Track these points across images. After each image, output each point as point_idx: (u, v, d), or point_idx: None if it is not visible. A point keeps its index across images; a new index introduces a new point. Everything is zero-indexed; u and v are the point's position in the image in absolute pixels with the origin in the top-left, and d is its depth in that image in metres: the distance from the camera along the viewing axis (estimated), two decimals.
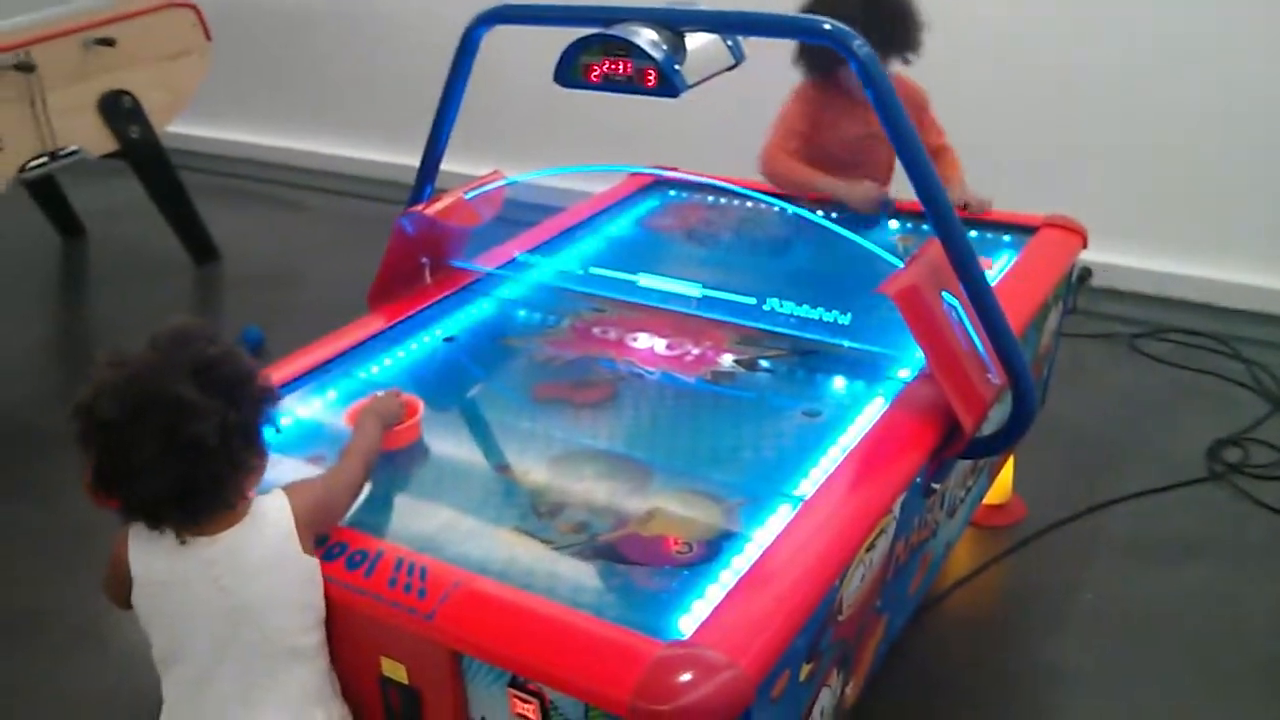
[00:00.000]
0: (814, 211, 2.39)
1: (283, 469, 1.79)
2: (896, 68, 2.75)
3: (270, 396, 1.57)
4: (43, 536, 2.97)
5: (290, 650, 1.55)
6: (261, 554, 1.52)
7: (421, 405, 1.94)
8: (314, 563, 1.56)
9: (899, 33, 2.73)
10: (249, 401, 1.51)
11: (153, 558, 1.53)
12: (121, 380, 1.45)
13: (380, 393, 1.94)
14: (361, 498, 1.72)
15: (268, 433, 1.58)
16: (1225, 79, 3.67)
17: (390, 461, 1.89)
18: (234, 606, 1.51)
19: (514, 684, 1.48)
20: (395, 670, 1.59)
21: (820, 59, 2.82)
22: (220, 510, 1.51)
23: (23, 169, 3.98)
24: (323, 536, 1.62)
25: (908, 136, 1.81)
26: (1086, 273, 3.87)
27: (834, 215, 2.70)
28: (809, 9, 2.59)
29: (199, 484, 1.46)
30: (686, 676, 1.34)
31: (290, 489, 1.59)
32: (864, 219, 2.77)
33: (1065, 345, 2.93)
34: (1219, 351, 3.63)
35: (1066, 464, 3.07)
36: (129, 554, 1.55)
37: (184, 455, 1.43)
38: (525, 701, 1.48)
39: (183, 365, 1.46)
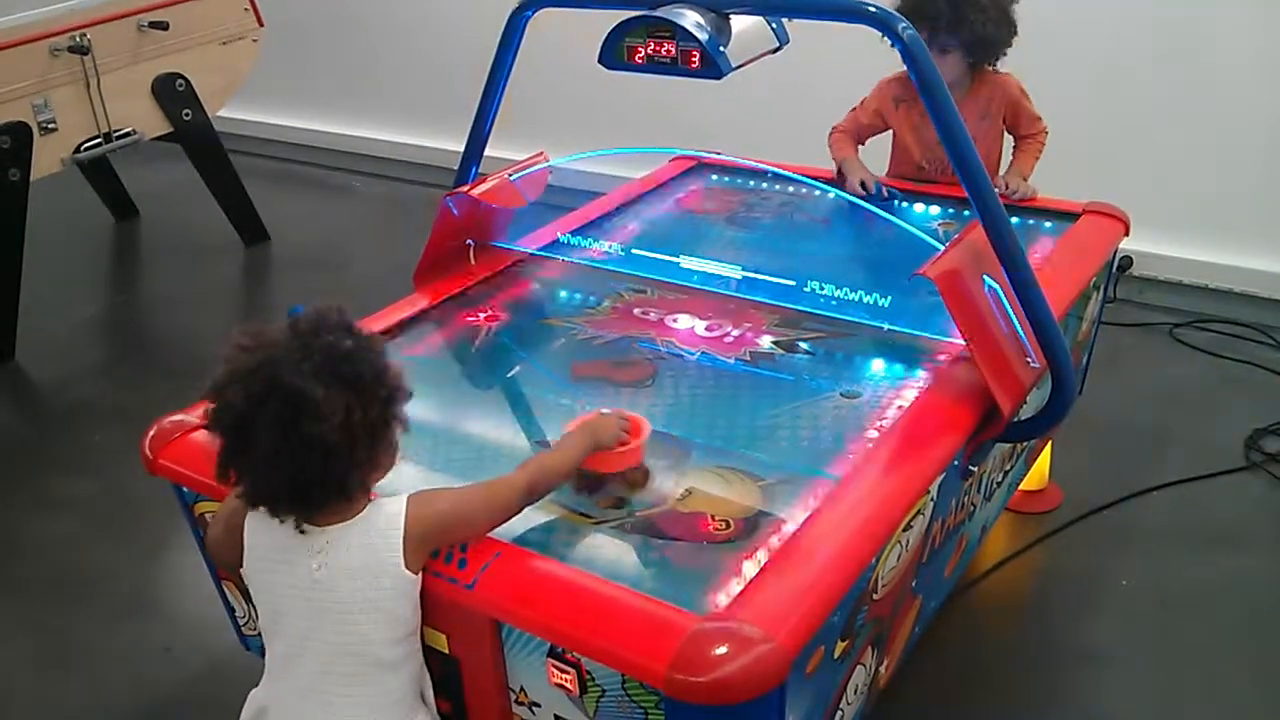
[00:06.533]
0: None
1: None
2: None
3: (400, 393, 1.49)
4: (97, 506, 3.04)
5: (373, 659, 1.51)
6: (361, 557, 1.48)
7: (647, 427, 1.79)
8: (412, 578, 1.50)
9: (990, 31, 2.73)
10: (378, 400, 1.44)
11: (270, 535, 1.52)
12: (249, 367, 1.40)
13: (604, 410, 1.83)
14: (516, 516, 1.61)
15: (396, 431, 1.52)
16: (1270, 69, 3.62)
17: (432, 436, 1.93)
18: (323, 601, 1.49)
19: (552, 654, 1.51)
20: (436, 639, 1.62)
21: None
22: (339, 502, 1.48)
23: (77, 150, 4.04)
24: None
25: (950, 118, 1.82)
26: (1127, 261, 3.84)
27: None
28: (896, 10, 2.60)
29: (316, 480, 1.42)
30: (722, 649, 1.36)
31: (414, 498, 1.52)
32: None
33: (1104, 333, 2.91)
34: (1259, 341, 3.59)
35: (1103, 451, 3.05)
36: (246, 524, 1.55)
37: (303, 451, 1.38)
38: (563, 671, 1.50)
39: (312, 356, 1.40)
